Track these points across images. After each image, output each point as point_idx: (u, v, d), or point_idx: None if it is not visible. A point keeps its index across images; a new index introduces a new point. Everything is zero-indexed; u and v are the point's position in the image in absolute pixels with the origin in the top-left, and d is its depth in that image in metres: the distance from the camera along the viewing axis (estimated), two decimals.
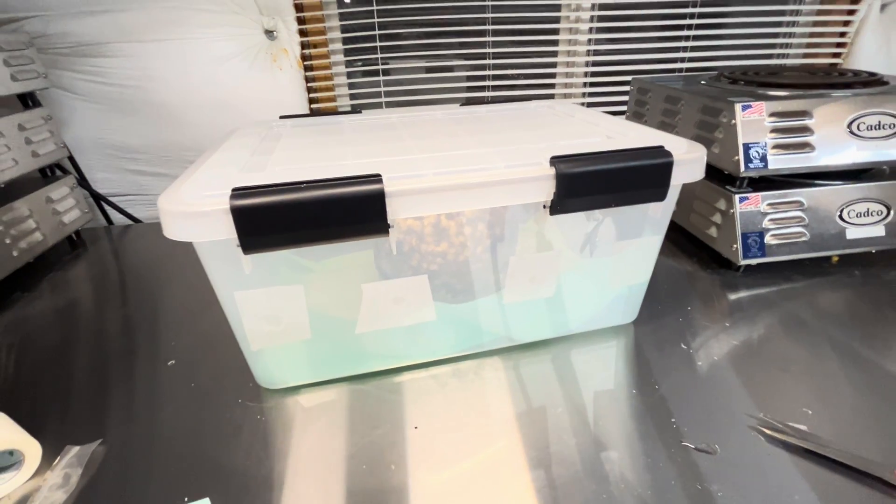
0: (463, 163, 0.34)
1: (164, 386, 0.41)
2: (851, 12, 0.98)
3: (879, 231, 0.55)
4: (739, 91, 0.58)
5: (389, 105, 0.97)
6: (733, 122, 0.52)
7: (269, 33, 0.88)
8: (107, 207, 0.86)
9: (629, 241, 0.40)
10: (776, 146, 0.52)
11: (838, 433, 0.34)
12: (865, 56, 1.00)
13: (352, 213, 0.30)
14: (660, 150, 0.35)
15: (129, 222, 0.85)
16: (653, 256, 0.43)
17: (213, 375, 0.42)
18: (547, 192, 0.34)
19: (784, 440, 0.34)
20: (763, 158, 0.52)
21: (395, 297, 0.37)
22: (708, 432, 0.35)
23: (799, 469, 0.32)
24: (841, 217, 0.55)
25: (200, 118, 0.89)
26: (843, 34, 1.01)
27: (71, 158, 0.80)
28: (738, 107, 0.51)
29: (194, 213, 0.28)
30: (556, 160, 0.33)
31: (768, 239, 0.54)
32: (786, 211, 0.54)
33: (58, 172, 0.73)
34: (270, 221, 0.29)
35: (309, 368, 0.40)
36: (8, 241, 0.56)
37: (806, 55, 1.04)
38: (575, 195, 0.34)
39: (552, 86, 1.01)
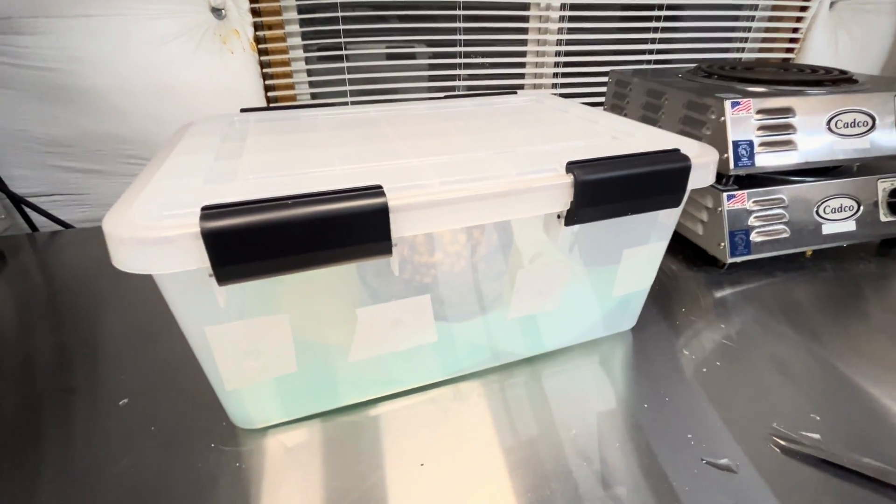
0: (470, 170, 0.30)
1: (118, 432, 0.35)
2: (804, 9, 1.02)
3: (851, 226, 0.57)
4: (721, 87, 0.58)
5: (354, 94, 0.90)
6: (722, 118, 0.51)
7: (217, 11, 0.79)
8: (29, 211, 0.74)
9: (637, 248, 0.38)
10: (763, 143, 0.51)
11: (847, 438, 0.34)
12: (816, 51, 1.05)
13: (350, 232, 0.26)
14: (676, 154, 0.33)
15: (58, 228, 0.74)
16: (657, 262, 0.41)
17: (176, 415, 0.36)
18: (563, 201, 0.30)
19: (800, 451, 0.33)
20: (751, 156, 0.51)
21: (393, 321, 0.33)
22: (724, 447, 0.34)
23: (820, 483, 0.31)
24: (818, 213, 0.56)
25: (138, 107, 0.78)
26: (795, 30, 1.05)
27: None
28: (727, 103, 0.51)
29: (154, 240, 0.23)
30: (572, 166, 0.30)
31: (754, 236, 0.54)
32: (769, 208, 0.54)
33: None
34: (252, 246, 0.24)
35: (294, 403, 0.35)
36: None
37: (761, 49, 1.08)
38: (592, 204, 0.31)
39: (522, 75, 0.99)
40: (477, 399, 0.38)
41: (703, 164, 0.34)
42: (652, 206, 0.33)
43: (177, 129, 0.43)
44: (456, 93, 0.54)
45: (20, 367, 0.42)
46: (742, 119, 0.51)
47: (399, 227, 0.27)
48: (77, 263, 0.60)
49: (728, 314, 0.49)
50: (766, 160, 0.52)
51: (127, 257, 0.23)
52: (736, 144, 0.51)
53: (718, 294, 0.53)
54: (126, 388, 0.39)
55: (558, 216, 0.32)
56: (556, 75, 0.99)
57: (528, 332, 0.40)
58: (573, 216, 0.31)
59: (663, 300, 0.51)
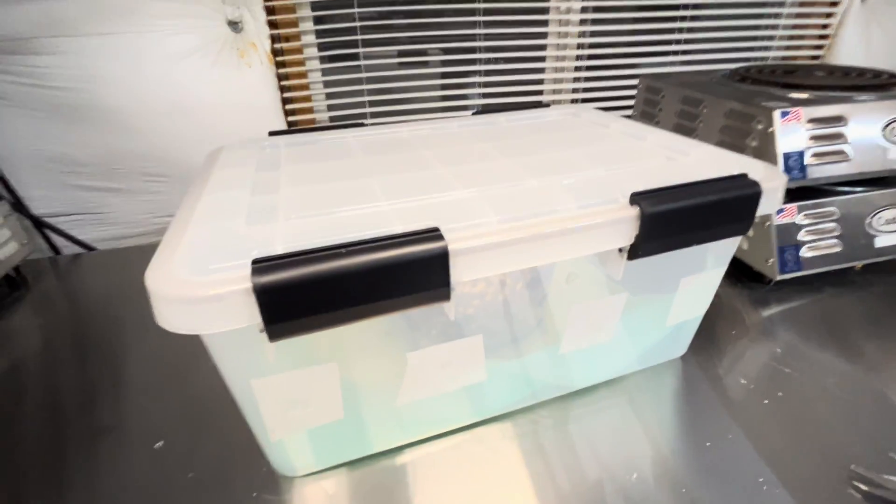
0: (525, 203, 0.28)
1: (156, 479, 0.34)
2: (834, 3, 0.98)
3: None
4: (761, 93, 0.55)
5: (373, 104, 0.88)
6: (770, 129, 0.48)
7: (234, 25, 0.78)
8: (49, 233, 0.73)
9: (695, 276, 0.36)
10: (814, 154, 0.49)
11: None
12: (847, 49, 1.01)
13: (407, 280, 0.24)
14: (745, 181, 0.31)
15: (79, 250, 0.73)
16: (714, 288, 0.39)
17: (214, 460, 0.35)
18: (628, 235, 0.28)
19: (885, 497, 0.31)
20: (802, 168, 0.49)
21: (443, 363, 0.31)
22: (800, 491, 0.32)
23: None
24: (870, 225, 0.53)
25: (157, 124, 0.77)
26: (825, 26, 1.01)
27: (2, 178, 0.67)
28: (776, 114, 0.48)
29: (203, 299, 0.21)
30: (638, 197, 0.28)
31: (804, 251, 0.51)
32: (821, 222, 0.51)
33: None
34: (306, 300, 0.22)
35: (338, 449, 0.33)
36: None
37: (789, 48, 1.04)
38: (659, 237, 0.29)
39: (541, 80, 0.96)
40: (528, 437, 0.36)
41: (771, 189, 0.31)
42: (719, 235, 0.31)
43: (207, 156, 0.42)
44: (487, 108, 0.52)
45: (48, 404, 0.41)
46: (792, 129, 0.48)
47: (458, 272, 0.25)
48: (101, 289, 0.59)
49: (781, 337, 0.47)
50: (818, 172, 0.49)
51: (173, 317, 0.21)
52: (787, 157, 0.48)
53: (766, 313, 0.51)
54: (160, 429, 0.38)
55: (620, 250, 0.30)
56: (577, 80, 0.96)
57: (578, 365, 0.38)
58: (637, 250, 0.29)
59: (710, 322, 0.49)
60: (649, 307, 0.37)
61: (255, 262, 0.22)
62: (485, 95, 0.92)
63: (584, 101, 0.97)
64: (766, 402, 0.39)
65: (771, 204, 0.32)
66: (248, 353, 0.25)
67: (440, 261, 0.24)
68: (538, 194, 0.30)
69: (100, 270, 0.63)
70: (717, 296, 0.53)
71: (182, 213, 0.29)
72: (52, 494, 0.33)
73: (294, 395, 0.28)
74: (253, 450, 0.34)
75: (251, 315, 0.22)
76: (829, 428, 0.36)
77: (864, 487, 0.31)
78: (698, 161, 0.35)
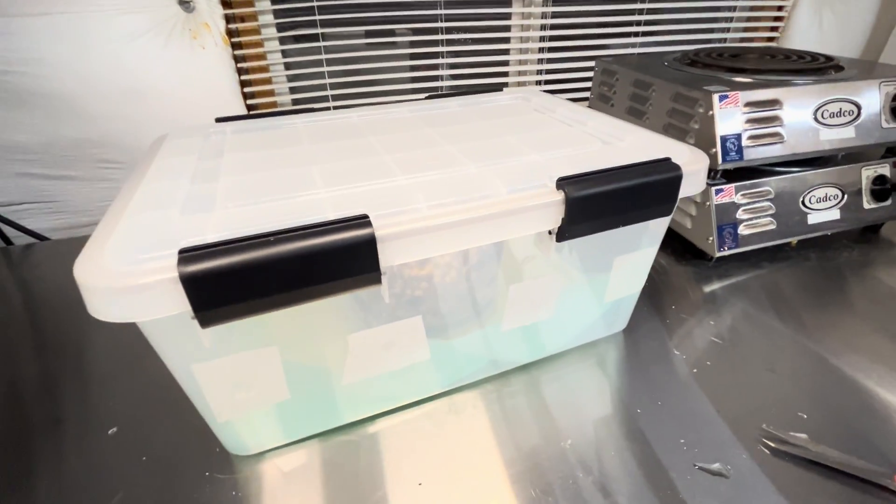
0: (458, 189, 0.29)
1: (109, 464, 0.34)
2: None
3: (835, 215, 0.58)
4: (706, 77, 0.57)
5: (334, 86, 0.87)
6: (710, 112, 0.50)
7: (185, 4, 0.75)
8: (0, 225, 0.71)
9: (628, 255, 0.38)
10: (751, 136, 0.51)
11: (836, 432, 0.35)
12: (800, 30, 1.04)
13: (337, 266, 0.25)
14: (667, 164, 0.32)
15: (31, 240, 0.71)
16: (648, 266, 0.41)
17: (168, 443, 0.36)
18: (555, 218, 0.30)
19: (789, 452, 0.34)
20: (739, 150, 0.51)
21: (385, 343, 0.32)
22: (716, 450, 0.35)
23: (810, 483, 0.32)
24: (803, 203, 0.56)
25: (107, 108, 0.75)
26: (780, 8, 1.03)
27: None
28: (715, 97, 0.50)
29: (129, 288, 0.22)
30: (563, 182, 0.29)
31: (741, 229, 0.54)
32: (757, 201, 0.54)
33: None
34: (234, 288, 0.23)
35: (288, 428, 0.35)
36: None
37: (746, 29, 1.07)
38: (584, 220, 0.30)
39: (507, 62, 0.97)
40: (472, 411, 0.38)
41: (693, 172, 0.33)
42: (643, 216, 0.33)
43: (150, 144, 0.41)
44: (441, 92, 0.52)
45: (4, 398, 0.41)
46: (730, 112, 0.50)
47: (388, 257, 0.26)
48: (55, 279, 0.58)
49: (717, 310, 0.50)
50: (754, 153, 0.51)
51: (103, 307, 0.22)
52: (724, 139, 0.50)
53: (707, 289, 0.54)
54: (115, 416, 0.38)
55: (549, 232, 0.31)
56: (540, 61, 0.97)
57: (520, 341, 0.40)
58: (564, 233, 0.30)
59: (653, 297, 0.51)
60: (587, 285, 0.39)
61: (181, 251, 0.22)
62: (452, 77, 0.92)
63: (549, 82, 0.97)
64: (695, 370, 0.42)
65: (694, 186, 0.34)
66: (185, 339, 0.26)
67: (368, 246, 0.25)
68: (473, 180, 0.31)
69: (53, 260, 0.62)
70: (663, 272, 0.56)
71: (117, 203, 0.29)
72: (12, 485, 0.33)
73: (237, 379, 0.29)
74: (205, 432, 0.35)
75: (181, 303, 0.23)
76: (750, 392, 0.39)
77: (772, 444, 0.35)
78: (631, 146, 0.37)
